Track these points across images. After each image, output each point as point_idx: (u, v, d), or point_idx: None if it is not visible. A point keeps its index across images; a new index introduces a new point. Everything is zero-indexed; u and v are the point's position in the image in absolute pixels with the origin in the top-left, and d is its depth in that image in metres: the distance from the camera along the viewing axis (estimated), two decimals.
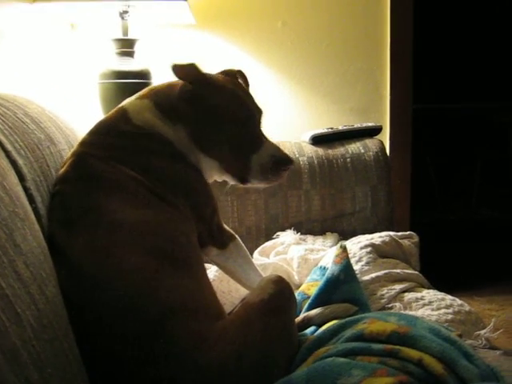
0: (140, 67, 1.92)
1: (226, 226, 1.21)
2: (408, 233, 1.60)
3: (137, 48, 1.96)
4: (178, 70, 1.10)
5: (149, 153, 1.09)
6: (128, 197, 1.01)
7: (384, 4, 2.40)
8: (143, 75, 1.91)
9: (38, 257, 0.79)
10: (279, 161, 1.13)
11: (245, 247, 1.22)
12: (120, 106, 1.18)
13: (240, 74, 1.28)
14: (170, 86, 1.18)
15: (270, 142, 1.16)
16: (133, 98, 1.20)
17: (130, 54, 1.94)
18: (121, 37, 1.95)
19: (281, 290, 0.98)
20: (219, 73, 1.24)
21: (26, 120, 1.06)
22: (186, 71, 1.12)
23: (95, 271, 0.89)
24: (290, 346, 0.97)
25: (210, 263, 1.29)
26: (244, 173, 1.14)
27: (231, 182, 1.20)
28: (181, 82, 1.15)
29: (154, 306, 0.88)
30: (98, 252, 0.91)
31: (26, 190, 0.92)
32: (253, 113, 1.17)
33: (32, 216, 0.87)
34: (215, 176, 1.21)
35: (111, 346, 0.85)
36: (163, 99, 1.15)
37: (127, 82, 1.87)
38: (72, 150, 1.11)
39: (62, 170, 1.07)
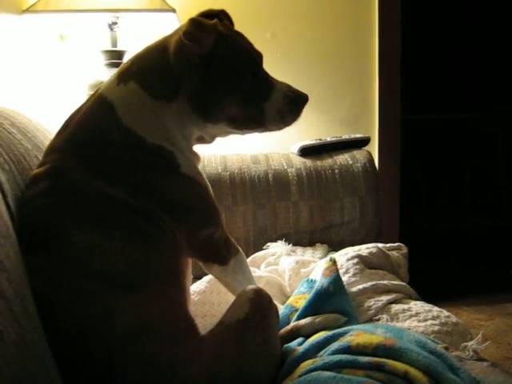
0: None
1: (231, 240, 1.12)
2: (396, 244, 1.60)
3: (126, 59, 1.96)
4: (195, 38, 0.97)
5: (138, 167, 0.96)
6: (96, 218, 0.90)
7: (372, 16, 2.43)
8: None
9: (20, 274, 0.78)
10: (295, 99, 1.08)
11: (246, 262, 1.16)
12: (103, 95, 1.01)
13: (224, 13, 1.15)
14: (154, 54, 1.03)
15: (279, 81, 1.08)
16: (113, 80, 1.03)
17: (119, 66, 1.94)
18: (110, 48, 1.95)
19: (258, 308, 0.94)
20: (200, 15, 1.08)
21: (13, 130, 1.06)
22: (205, 39, 0.97)
23: (49, 295, 0.85)
24: (270, 362, 0.94)
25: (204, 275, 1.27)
26: (260, 122, 1.07)
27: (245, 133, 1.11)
28: (167, 42, 1.02)
29: (112, 329, 0.83)
30: (52, 276, 0.86)
31: (8, 207, 0.90)
32: (256, 57, 1.07)
33: (13, 234, 0.85)
34: (221, 135, 1.13)
35: (74, 368, 0.82)
36: (152, 76, 1.00)
37: None
38: (47, 156, 0.99)
39: (35, 174, 0.96)
